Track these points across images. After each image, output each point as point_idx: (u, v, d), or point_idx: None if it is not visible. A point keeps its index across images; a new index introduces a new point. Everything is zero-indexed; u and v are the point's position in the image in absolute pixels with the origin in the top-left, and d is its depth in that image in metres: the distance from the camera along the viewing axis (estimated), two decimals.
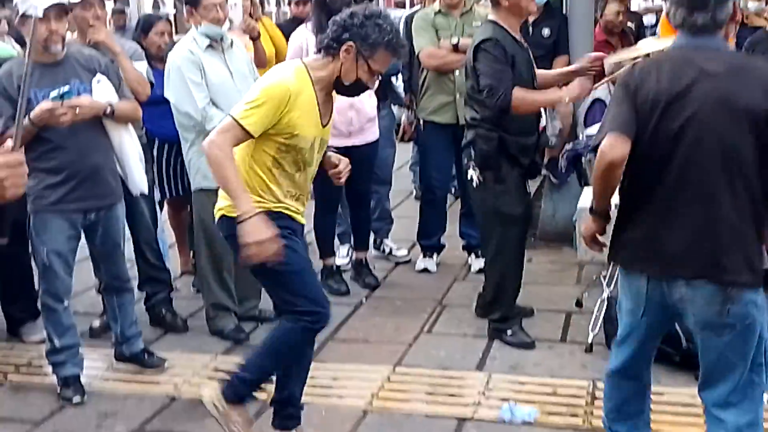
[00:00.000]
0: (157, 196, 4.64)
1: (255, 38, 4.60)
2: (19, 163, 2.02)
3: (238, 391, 2.96)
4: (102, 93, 3.52)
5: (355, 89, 2.86)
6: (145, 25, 4.66)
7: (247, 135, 2.71)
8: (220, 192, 2.92)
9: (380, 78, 4.30)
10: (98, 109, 3.48)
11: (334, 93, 2.92)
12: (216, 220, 2.96)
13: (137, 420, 3.43)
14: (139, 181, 3.77)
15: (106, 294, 3.87)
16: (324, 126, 2.89)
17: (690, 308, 2.47)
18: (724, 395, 2.51)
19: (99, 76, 3.54)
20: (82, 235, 3.65)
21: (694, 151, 2.36)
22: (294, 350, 2.99)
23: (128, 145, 3.68)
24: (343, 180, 3.08)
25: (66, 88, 3.33)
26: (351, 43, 2.73)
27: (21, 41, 6.41)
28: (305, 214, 3.05)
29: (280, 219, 2.86)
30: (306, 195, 3.01)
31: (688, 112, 2.35)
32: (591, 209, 2.68)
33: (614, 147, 2.39)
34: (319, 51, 2.85)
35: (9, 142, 1.99)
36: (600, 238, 2.69)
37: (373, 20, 2.73)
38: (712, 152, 2.35)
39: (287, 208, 2.91)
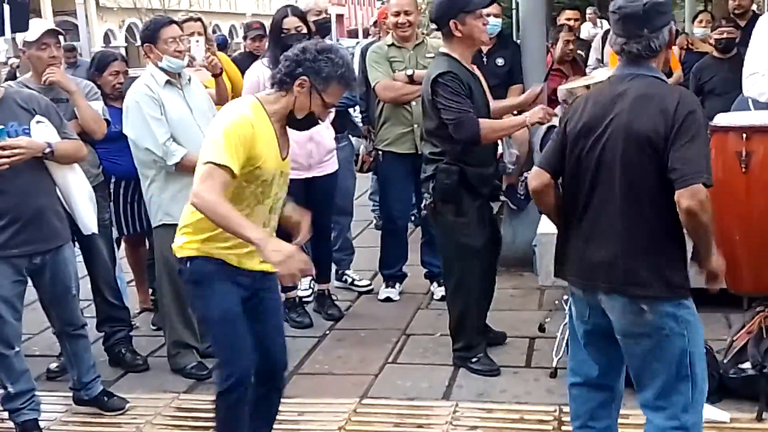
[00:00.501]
0: (114, 233, 4.58)
1: (217, 75, 4.60)
2: None
3: None
4: (41, 134, 3.44)
5: (307, 123, 2.87)
6: (100, 64, 4.57)
7: (232, 176, 2.65)
8: (179, 229, 2.88)
9: (338, 109, 4.33)
10: (36, 149, 3.39)
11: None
12: (179, 258, 2.89)
13: None
14: (88, 221, 3.71)
15: (60, 340, 3.78)
16: (283, 159, 2.89)
17: (611, 316, 2.62)
18: (650, 399, 2.63)
19: (39, 117, 3.46)
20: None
21: (606, 177, 2.56)
22: (226, 417, 2.92)
23: (74, 186, 3.62)
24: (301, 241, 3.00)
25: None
26: (305, 77, 2.75)
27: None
28: None
29: (216, 265, 2.79)
30: (268, 229, 2.95)
31: (602, 141, 2.56)
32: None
33: (534, 178, 2.74)
34: (273, 86, 2.86)
35: None
36: None
37: (325, 55, 2.76)
38: (621, 177, 2.53)
39: (229, 257, 2.81)
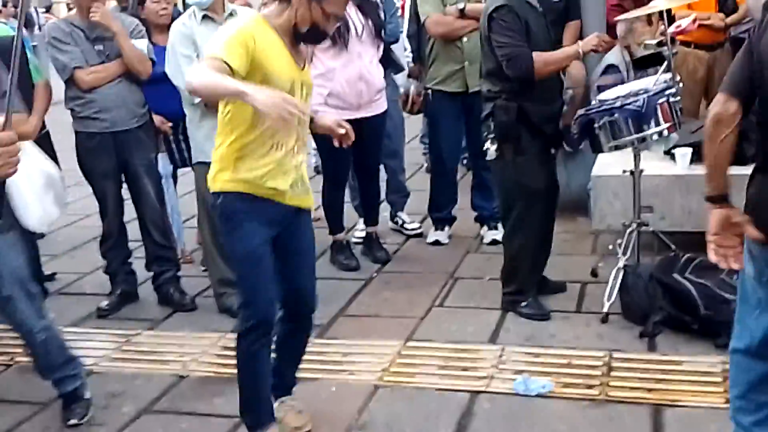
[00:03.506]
0: (164, 170, 4.58)
1: None
2: (11, 140, 1.96)
3: (248, 420, 2.96)
4: None
5: (313, 35, 2.76)
6: None
7: (230, 70, 2.54)
8: (213, 159, 2.80)
9: (380, 44, 4.20)
10: None
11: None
12: (212, 192, 2.82)
13: (145, 400, 3.39)
14: (30, 216, 3.06)
15: None
16: (302, 69, 2.80)
17: None
18: None
19: None
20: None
21: None
22: (247, 359, 2.88)
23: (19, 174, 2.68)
24: (349, 142, 2.95)
25: None
26: None
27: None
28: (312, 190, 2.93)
29: (248, 202, 2.73)
30: (298, 144, 2.80)
31: None
32: (706, 197, 2.32)
33: (718, 104, 2.23)
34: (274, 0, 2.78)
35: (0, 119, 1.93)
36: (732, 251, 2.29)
37: None
38: None
39: (261, 185, 2.74)
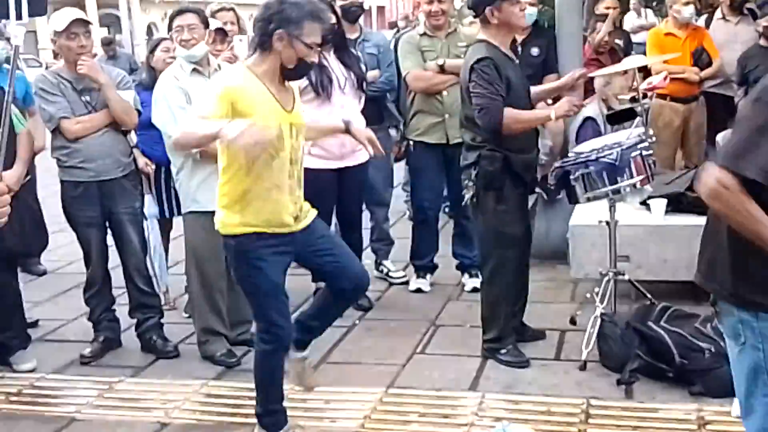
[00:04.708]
0: (149, 211, 4.69)
1: None
2: (2, 192, 2.01)
3: (265, 423, 3.22)
4: None
5: (300, 70, 2.97)
6: (151, 45, 4.82)
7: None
8: (218, 204, 3.02)
9: (373, 97, 4.45)
10: None
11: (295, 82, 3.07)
12: (223, 236, 3.06)
13: None
14: None
15: None
16: (290, 111, 2.99)
17: None
18: None
19: None
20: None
21: None
22: (271, 374, 3.16)
23: None
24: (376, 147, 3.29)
25: None
26: (280, 30, 2.85)
27: None
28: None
29: (262, 239, 2.97)
30: (293, 186, 3.03)
31: None
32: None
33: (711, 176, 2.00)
34: (254, 51, 2.97)
35: None
36: None
37: (288, 2, 2.86)
38: None
39: (269, 226, 2.98)
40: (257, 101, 2.86)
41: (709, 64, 5.93)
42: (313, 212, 3.18)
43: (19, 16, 2.58)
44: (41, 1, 2.82)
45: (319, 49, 2.98)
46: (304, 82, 4.28)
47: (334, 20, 4.24)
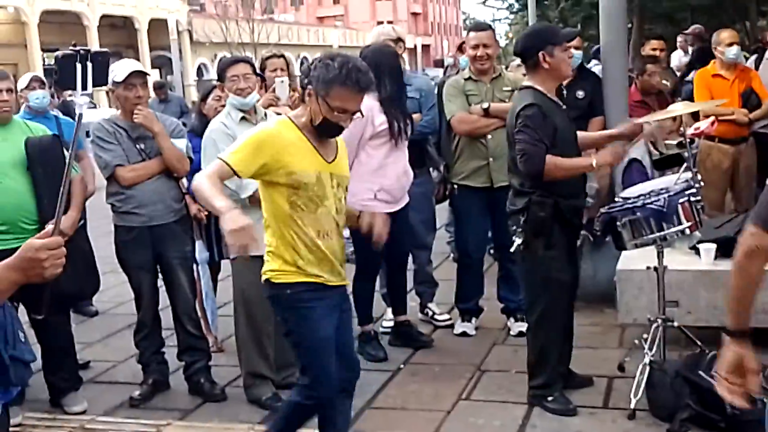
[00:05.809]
0: (200, 257, 4.79)
1: None
2: (58, 245, 2.10)
3: None
4: None
5: (326, 129, 3.00)
6: (203, 93, 4.96)
7: (232, 172, 2.90)
8: (265, 256, 3.05)
9: (414, 142, 4.45)
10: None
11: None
12: (274, 285, 3.08)
13: None
14: None
15: None
16: (332, 161, 3.05)
17: None
18: None
19: None
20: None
21: None
22: (296, 425, 3.17)
23: None
24: (384, 237, 3.19)
25: None
26: (310, 87, 2.96)
27: (69, 114, 6.67)
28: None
29: (313, 291, 3.00)
30: (337, 232, 3.08)
31: None
32: (725, 330, 2.13)
33: (749, 236, 2.05)
34: (302, 101, 3.09)
35: (49, 227, 2.09)
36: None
37: (324, 62, 2.94)
38: None
39: (319, 276, 3.01)
40: (295, 149, 2.95)
41: (759, 105, 5.86)
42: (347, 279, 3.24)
43: (84, 87, 2.72)
44: (103, 73, 2.98)
45: (351, 115, 2.99)
46: (384, 123, 4.41)
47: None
